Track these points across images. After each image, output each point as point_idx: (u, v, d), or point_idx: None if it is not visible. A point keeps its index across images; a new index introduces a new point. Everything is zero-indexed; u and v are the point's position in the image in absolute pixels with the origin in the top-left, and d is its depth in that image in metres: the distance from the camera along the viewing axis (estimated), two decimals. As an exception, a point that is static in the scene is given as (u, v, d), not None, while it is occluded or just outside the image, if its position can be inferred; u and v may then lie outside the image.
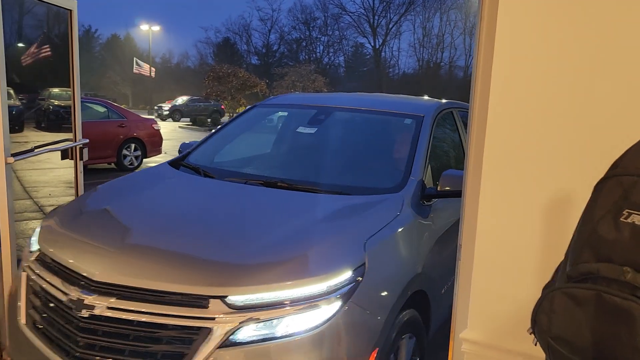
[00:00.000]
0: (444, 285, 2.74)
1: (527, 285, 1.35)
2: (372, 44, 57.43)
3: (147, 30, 40.23)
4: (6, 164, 2.98)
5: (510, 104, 1.38)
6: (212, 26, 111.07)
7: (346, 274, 1.92)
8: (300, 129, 3.58)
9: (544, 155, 1.35)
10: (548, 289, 0.87)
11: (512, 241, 1.41)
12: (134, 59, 28.16)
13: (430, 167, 2.91)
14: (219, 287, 1.82)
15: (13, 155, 3.11)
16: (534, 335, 0.90)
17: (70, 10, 3.97)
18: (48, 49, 4.41)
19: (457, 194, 2.43)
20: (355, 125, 3.55)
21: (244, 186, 2.72)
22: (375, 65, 57.01)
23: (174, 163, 3.22)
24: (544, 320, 0.85)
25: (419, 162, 2.76)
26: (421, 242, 2.50)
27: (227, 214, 2.46)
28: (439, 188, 2.58)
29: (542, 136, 1.35)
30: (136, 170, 9.22)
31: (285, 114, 4.04)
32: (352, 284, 1.91)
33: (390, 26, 55.98)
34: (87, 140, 3.97)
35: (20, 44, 4.17)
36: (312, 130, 3.47)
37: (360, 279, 1.95)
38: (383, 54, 57.63)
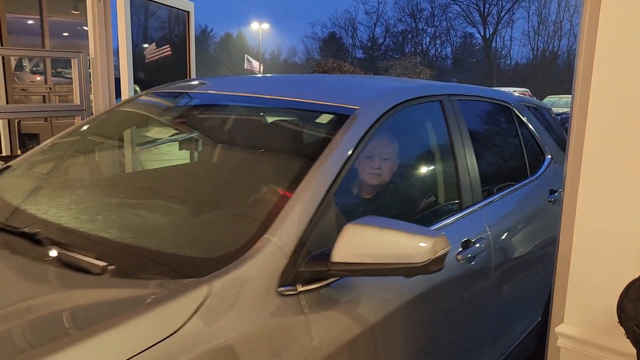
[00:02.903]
0: None
1: (626, 280, 1.29)
2: (482, 34, 55.15)
3: (257, 29, 41.96)
4: (133, 152, 3.34)
5: (612, 93, 1.33)
6: (318, 21, 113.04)
7: None
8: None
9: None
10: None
11: (611, 234, 1.35)
12: (245, 55, 29.54)
13: (351, 205, 1.85)
14: None
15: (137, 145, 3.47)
16: (620, 323, 0.89)
17: (188, 12, 4.30)
18: (169, 48, 4.81)
19: (370, 270, 1.35)
20: (236, 127, 2.19)
21: None
22: (485, 56, 54.73)
23: None
24: (630, 308, 0.84)
25: (305, 201, 1.45)
26: None
27: None
28: (333, 257, 1.32)
29: (647, 124, 1.29)
30: None
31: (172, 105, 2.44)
32: None
33: (502, 14, 53.39)
34: (201, 132, 4.29)
35: (145, 45, 4.59)
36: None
37: None
38: (494, 44, 55.12)
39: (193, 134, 2.41)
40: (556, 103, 19.31)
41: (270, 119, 2.14)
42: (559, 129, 3.61)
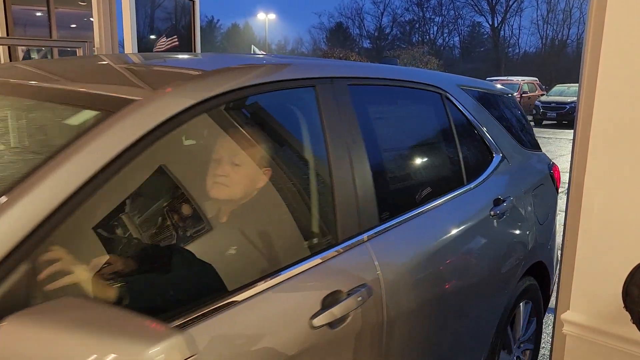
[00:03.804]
0: None
1: (633, 266, 1.29)
2: (490, 23, 54.62)
3: (264, 19, 41.84)
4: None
5: (620, 80, 1.32)
6: (325, 11, 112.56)
7: None
8: None
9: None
10: None
11: (618, 220, 1.35)
12: (252, 46, 29.48)
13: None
14: None
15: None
16: (626, 308, 0.89)
17: (193, 1, 4.30)
18: (176, 39, 4.81)
19: None
20: None
21: None
22: (493, 45, 54.24)
23: None
24: (635, 292, 0.84)
25: None
26: None
27: None
28: None
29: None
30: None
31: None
32: None
33: (511, 2, 52.80)
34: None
35: (152, 36, 4.59)
36: None
37: None
38: (502, 32, 54.59)
39: None
40: (565, 92, 19.12)
41: None
42: (526, 123, 3.08)
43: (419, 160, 2.14)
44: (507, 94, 3.00)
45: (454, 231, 1.92)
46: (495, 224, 2.13)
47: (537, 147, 2.97)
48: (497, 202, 2.17)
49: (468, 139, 2.33)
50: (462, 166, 2.18)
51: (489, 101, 2.62)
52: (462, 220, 1.98)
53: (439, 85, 2.23)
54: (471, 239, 2.01)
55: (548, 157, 3.03)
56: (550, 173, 2.87)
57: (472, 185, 2.14)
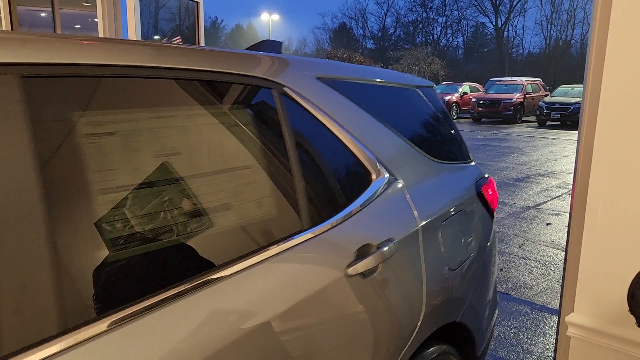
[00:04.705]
0: None
1: (637, 269, 1.28)
2: (494, 23, 54.52)
3: (267, 19, 41.92)
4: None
5: (625, 80, 1.31)
6: (328, 12, 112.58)
7: None
8: None
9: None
10: None
11: (623, 222, 1.34)
12: (255, 47, 29.51)
13: None
14: None
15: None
16: (631, 312, 0.88)
17: (197, 3, 4.31)
18: (180, 40, 4.81)
19: None
20: None
21: None
22: (497, 46, 54.15)
23: None
24: (640, 296, 0.83)
25: None
26: None
27: None
28: None
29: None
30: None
31: None
32: None
33: (515, 3, 52.71)
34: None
35: (156, 37, 4.60)
36: None
37: None
38: (506, 33, 54.48)
39: None
40: (569, 93, 19.06)
41: None
42: (448, 124, 2.16)
43: (202, 201, 1.16)
44: (419, 86, 2.08)
45: (260, 319, 1.14)
46: (355, 286, 1.37)
47: (463, 156, 2.14)
48: (362, 252, 1.41)
49: (323, 156, 1.49)
50: (302, 201, 1.35)
51: (381, 97, 1.83)
52: (277, 297, 1.19)
53: (271, 77, 1.40)
54: (295, 324, 1.22)
55: (479, 170, 2.18)
56: (479, 192, 2.03)
57: (317, 229, 1.34)
